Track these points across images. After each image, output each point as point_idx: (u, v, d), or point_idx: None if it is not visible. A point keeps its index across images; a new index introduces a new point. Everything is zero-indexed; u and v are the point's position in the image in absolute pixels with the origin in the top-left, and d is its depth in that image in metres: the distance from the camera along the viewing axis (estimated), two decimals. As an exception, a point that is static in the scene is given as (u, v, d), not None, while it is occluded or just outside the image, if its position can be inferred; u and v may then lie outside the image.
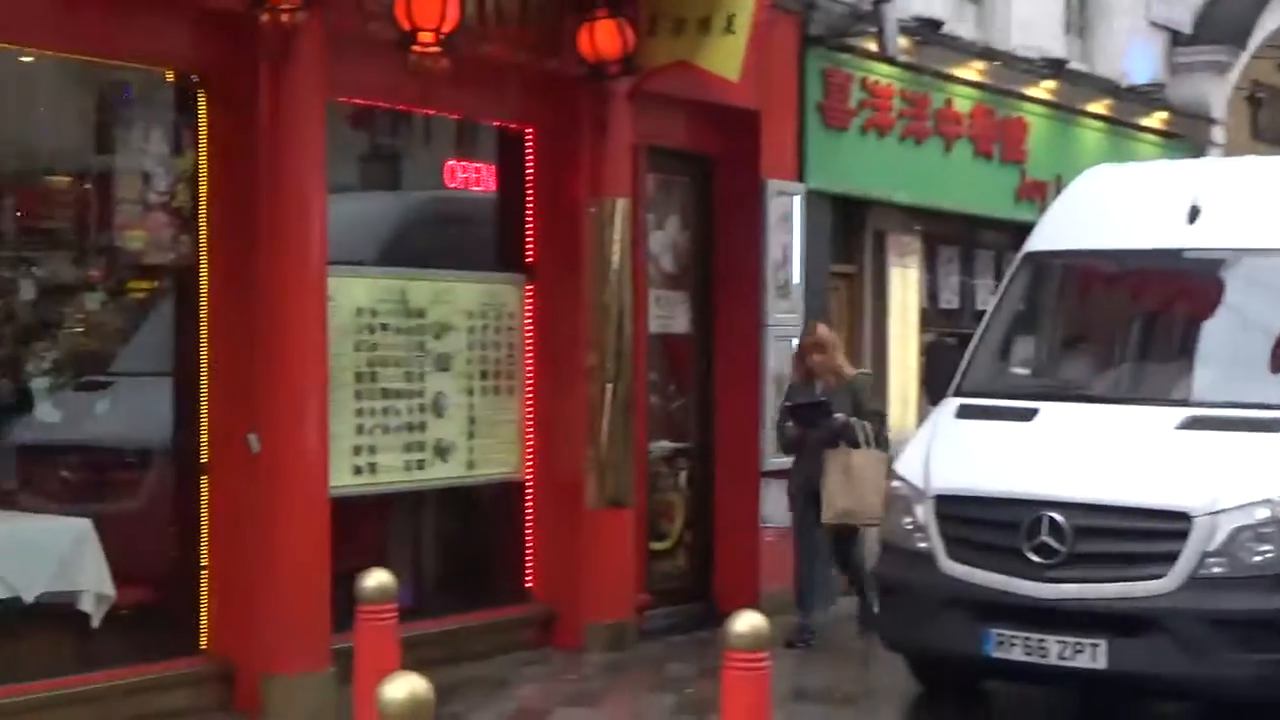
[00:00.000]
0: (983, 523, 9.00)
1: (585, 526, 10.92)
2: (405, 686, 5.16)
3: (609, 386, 10.88)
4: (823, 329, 11.56)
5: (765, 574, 12.06)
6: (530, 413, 11.00)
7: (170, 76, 9.18)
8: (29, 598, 8.35)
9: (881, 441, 11.21)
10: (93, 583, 8.58)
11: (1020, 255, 10.63)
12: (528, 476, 11.02)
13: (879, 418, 11.32)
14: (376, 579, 7.45)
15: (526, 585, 11.06)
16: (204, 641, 9.15)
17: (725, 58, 10.69)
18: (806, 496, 11.20)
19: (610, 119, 10.83)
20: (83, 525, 8.62)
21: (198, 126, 9.09)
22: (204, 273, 9.12)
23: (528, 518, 11.06)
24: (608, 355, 10.88)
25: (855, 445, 10.98)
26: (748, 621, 6.61)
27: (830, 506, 10.96)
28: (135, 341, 9.70)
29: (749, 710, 6.63)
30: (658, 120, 11.55)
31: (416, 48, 9.06)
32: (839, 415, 10.95)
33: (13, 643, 8.52)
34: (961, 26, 14.88)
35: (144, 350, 9.65)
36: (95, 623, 8.64)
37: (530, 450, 11.00)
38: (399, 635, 7.51)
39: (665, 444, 12.07)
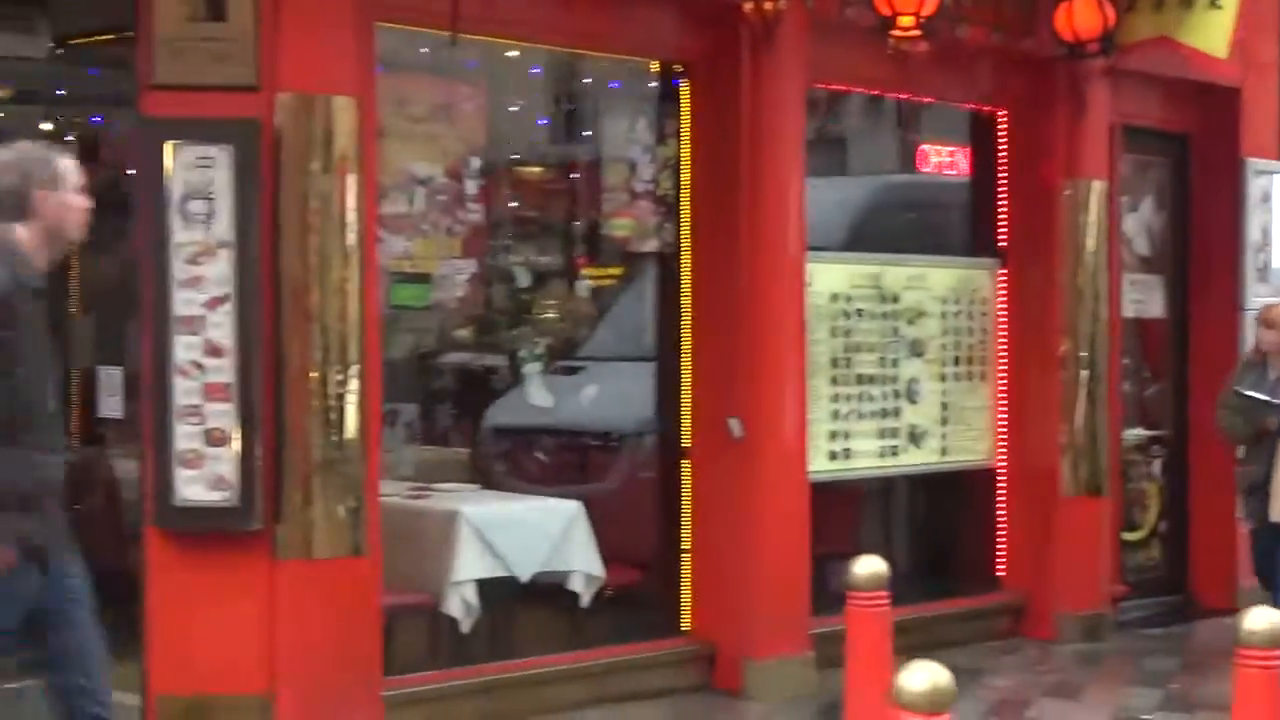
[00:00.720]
0: None
1: (1058, 514, 10.73)
2: (926, 676, 5.12)
3: (1083, 372, 10.68)
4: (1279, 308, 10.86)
5: (1244, 568, 11.60)
6: (1002, 399, 10.85)
7: (655, 67, 9.34)
8: (524, 577, 8.60)
9: None
10: (583, 563, 8.80)
11: None
12: (1000, 463, 10.87)
13: None
14: (869, 566, 7.40)
15: (998, 574, 10.91)
16: (686, 623, 9.28)
17: (1212, 34, 10.31)
18: (1256, 492, 10.44)
19: (1088, 98, 10.59)
20: (573, 507, 8.84)
21: (680, 115, 9.22)
22: (685, 259, 9.25)
23: (999, 505, 10.90)
24: (1081, 340, 10.69)
25: None
26: (1264, 618, 6.35)
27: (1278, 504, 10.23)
28: (619, 327, 9.94)
29: (1264, 709, 6.38)
30: (1133, 99, 11.24)
31: (896, 32, 9.01)
32: None
33: (508, 620, 8.84)
34: None
35: (627, 335, 9.87)
36: (584, 602, 8.87)
37: (1002, 437, 10.85)
38: (890, 622, 7.47)
39: (1139, 431, 11.74)
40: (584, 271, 9.72)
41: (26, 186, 5.45)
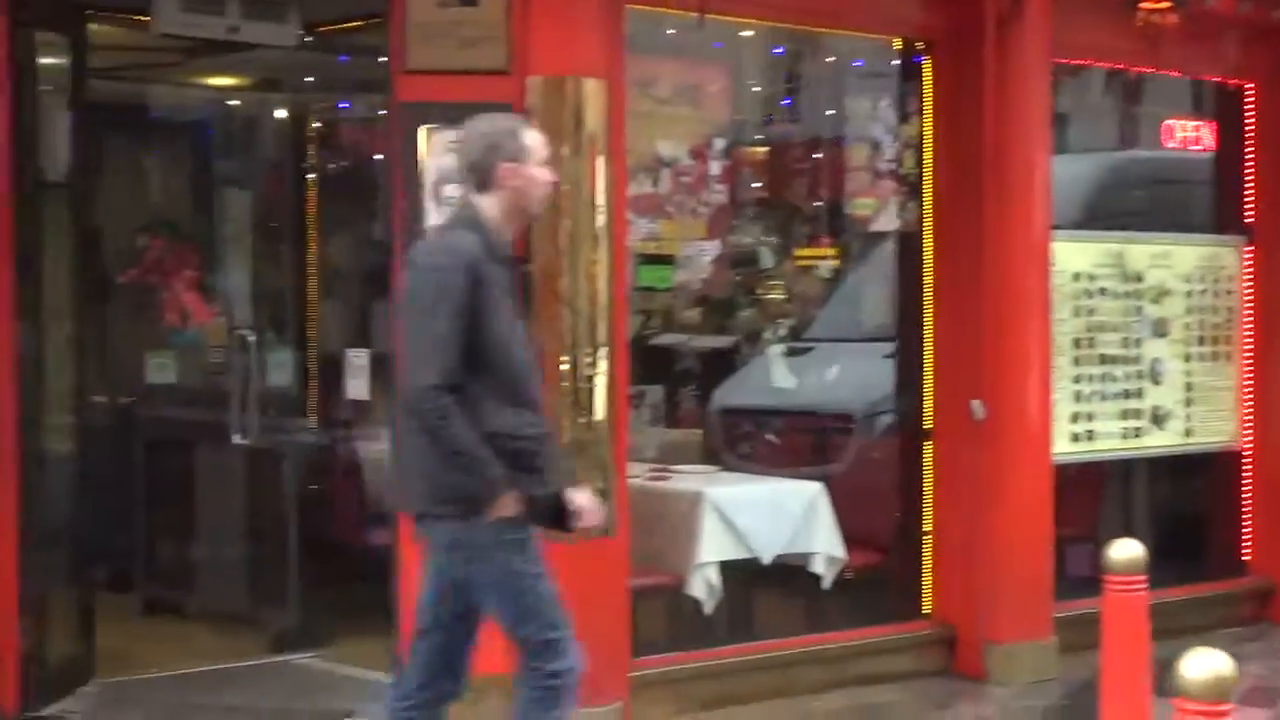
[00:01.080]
0: None
1: (1308, 498, 10.48)
2: (1208, 663, 4.99)
3: (1331, 352, 10.43)
4: None
5: None
6: (1248, 380, 10.59)
7: (897, 44, 9.24)
8: (767, 559, 8.55)
9: None
10: (824, 545, 8.72)
11: None
12: (1245, 445, 10.62)
13: None
14: (1126, 549, 7.23)
15: (1243, 558, 10.67)
16: (927, 606, 9.21)
17: None
18: None
19: (1342, 69, 10.31)
20: (815, 488, 8.77)
21: (922, 93, 9.12)
22: (928, 238, 9.15)
23: (1245, 488, 10.66)
24: (1330, 318, 10.43)
25: None
26: None
27: None
28: (861, 307, 9.85)
29: None
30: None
31: (1146, 5, 8.85)
32: None
33: (748, 603, 8.80)
34: None
35: (869, 316, 9.78)
36: (825, 585, 8.80)
37: (1248, 418, 10.59)
38: (1147, 607, 7.31)
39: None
40: (825, 251, 9.64)
41: (492, 159, 5.51)
